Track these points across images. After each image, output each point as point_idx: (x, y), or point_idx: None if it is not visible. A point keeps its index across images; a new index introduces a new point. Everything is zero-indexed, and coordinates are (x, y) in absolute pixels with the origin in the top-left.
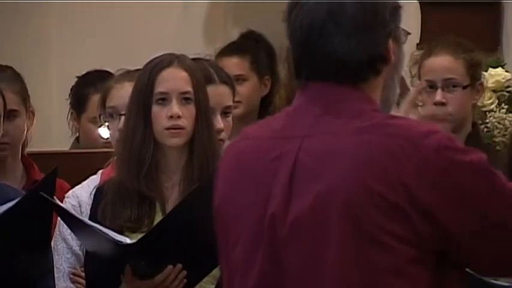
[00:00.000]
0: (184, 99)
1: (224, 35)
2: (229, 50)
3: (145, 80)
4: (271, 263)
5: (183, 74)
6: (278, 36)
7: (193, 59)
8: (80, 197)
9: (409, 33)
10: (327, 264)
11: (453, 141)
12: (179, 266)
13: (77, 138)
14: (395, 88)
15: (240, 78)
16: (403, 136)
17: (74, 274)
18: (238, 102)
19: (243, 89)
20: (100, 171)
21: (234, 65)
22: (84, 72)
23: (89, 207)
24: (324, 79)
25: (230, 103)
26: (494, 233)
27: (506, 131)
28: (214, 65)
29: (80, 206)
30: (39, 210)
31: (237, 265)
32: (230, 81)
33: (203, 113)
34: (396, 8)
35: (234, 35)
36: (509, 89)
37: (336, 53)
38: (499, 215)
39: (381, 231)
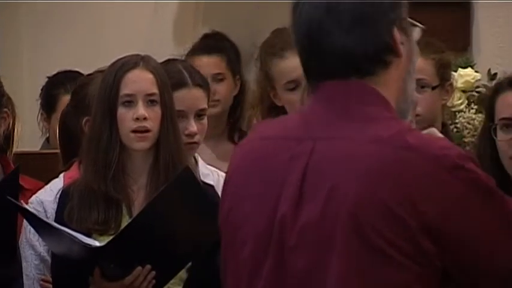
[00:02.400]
0: (150, 101)
1: (194, 35)
2: (206, 48)
3: (111, 82)
4: (279, 267)
5: (149, 76)
6: (248, 36)
7: (168, 60)
8: (44, 201)
9: (423, 27)
10: (331, 273)
11: (469, 162)
12: (148, 267)
13: (47, 139)
14: (411, 81)
15: (219, 77)
16: (418, 151)
17: (43, 280)
18: (217, 101)
19: (221, 88)
20: (62, 174)
21: (213, 63)
22: (54, 73)
23: (54, 211)
24: (332, 78)
25: (204, 106)
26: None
27: (475, 131)
28: (188, 67)
29: (45, 210)
30: (2, 212)
31: (244, 266)
32: (204, 84)
33: (169, 115)
34: None
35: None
36: (479, 89)
37: (338, 49)
38: (503, 246)
39: (387, 245)
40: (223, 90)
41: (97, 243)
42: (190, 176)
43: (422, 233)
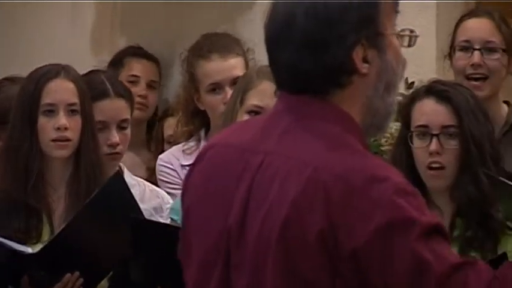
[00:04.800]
0: (71, 110)
1: (111, 44)
2: (147, 54)
3: (31, 91)
4: (225, 284)
5: (70, 86)
6: (166, 45)
7: (91, 71)
8: None
9: (417, 36)
10: None
11: (403, 194)
12: (77, 273)
13: None
14: (384, 98)
15: (154, 85)
16: (347, 179)
17: None
18: (146, 106)
19: (152, 96)
20: None
21: (152, 70)
22: None
23: None
24: (288, 90)
25: (127, 116)
26: None
27: (393, 140)
28: (111, 78)
29: None
30: None
31: (194, 278)
32: (127, 94)
33: (89, 125)
34: (368, 17)
35: (121, 44)
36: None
37: (290, 65)
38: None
39: (311, 271)
40: (153, 98)
41: (30, 250)
42: (120, 181)
43: (345, 263)
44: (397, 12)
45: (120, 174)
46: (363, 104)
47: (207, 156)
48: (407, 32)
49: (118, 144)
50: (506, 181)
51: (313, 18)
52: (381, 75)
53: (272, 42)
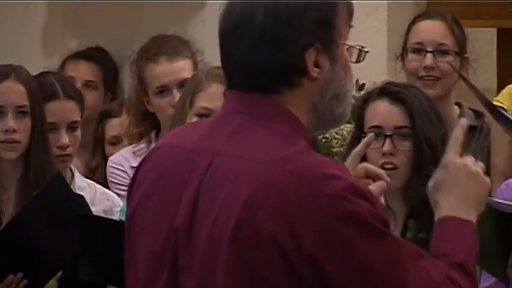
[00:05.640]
0: (20, 112)
1: (62, 46)
2: (87, 55)
3: None
4: (173, 285)
5: (20, 88)
6: (117, 46)
7: (41, 73)
8: None
9: (367, 51)
10: None
11: (354, 192)
12: (19, 274)
13: None
14: (332, 106)
15: (91, 85)
16: (301, 176)
17: None
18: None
19: (90, 97)
20: None
21: (89, 70)
22: None
23: None
24: (239, 88)
25: (76, 118)
26: None
27: (344, 141)
28: (61, 79)
29: None
30: None
31: (139, 280)
32: (77, 96)
33: (39, 127)
34: (326, 21)
35: (72, 46)
36: None
37: (243, 61)
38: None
39: (266, 272)
40: (91, 98)
41: None
42: (61, 182)
43: (301, 263)
44: (350, 26)
45: (60, 173)
46: (309, 108)
47: (154, 157)
48: (358, 47)
49: (68, 146)
50: None
51: (272, 15)
52: (329, 84)
53: (227, 37)
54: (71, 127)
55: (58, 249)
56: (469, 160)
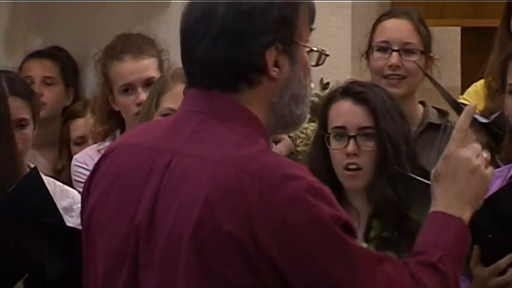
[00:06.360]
0: None
1: (25, 45)
2: (42, 53)
3: None
4: (133, 284)
5: None
6: (82, 45)
7: None
8: None
9: (327, 55)
10: None
11: (314, 193)
12: None
13: None
14: (291, 108)
15: (48, 81)
16: (262, 176)
17: None
18: (44, 104)
19: (49, 93)
20: None
21: (45, 67)
22: None
23: None
24: (199, 86)
25: (24, 116)
26: None
27: (308, 140)
28: (11, 77)
29: None
30: None
31: (98, 279)
32: (26, 93)
33: (4, 126)
34: (287, 20)
35: (35, 45)
36: (312, 98)
37: (203, 58)
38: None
39: (227, 271)
40: (51, 94)
41: None
42: (36, 177)
43: (260, 262)
44: (311, 29)
45: (36, 170)
46: (268, 108)
47: (112, 156)
48: (318, 50)
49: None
50: (417, 177)
51: (235, 11)
52: (288, 84)
53: (188, 34)
54: (20, 125)
55: (27, 250)
56: (472, 152)
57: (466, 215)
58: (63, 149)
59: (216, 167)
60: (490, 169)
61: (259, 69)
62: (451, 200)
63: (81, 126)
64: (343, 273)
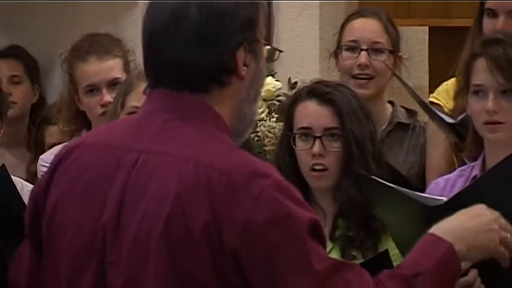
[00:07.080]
0: None
1: None
2: (4, 53)
3: None
4: (99, 282)
5: None
6: (50, 44)
7: None
8: None
9: (280, 51)
10: None
11: (280, 191)
12: None
13: None
14: (252, 105)
15: (15, 80)
16: (229, 175)
17: None
18: (14, 103)
19: (17, 91)
20: None
21: (10, 66)
22: None
23: None
24: (166, 87)
25: None
26: None
27: (276, 139)
28: None
29: None
30: None
31: (62, 277)
32: None
33: None
34: (252, 20)
35: (3, 44)
36: (280, 98)
37: (174, 59)
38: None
39: (195, 268)
40: (19, 93)
41: None
42: (3, 175)
43: (224, 260)
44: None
45: (4, 167)
46: (234, 108)
47: (74, 155)
48: (269, 46)
49: None
50: (376, 178)
51: (206, 14)
52: (254, 82)
53: (157, 35)
54: None
55: None
56: (497, 216)
57: (458, 247)
58: (37, 154)
59: (185, 164)
60: (503, 236)
61: (230, 70)
62: (452, 227)
63: (55, 133)
64: (301, 275)
